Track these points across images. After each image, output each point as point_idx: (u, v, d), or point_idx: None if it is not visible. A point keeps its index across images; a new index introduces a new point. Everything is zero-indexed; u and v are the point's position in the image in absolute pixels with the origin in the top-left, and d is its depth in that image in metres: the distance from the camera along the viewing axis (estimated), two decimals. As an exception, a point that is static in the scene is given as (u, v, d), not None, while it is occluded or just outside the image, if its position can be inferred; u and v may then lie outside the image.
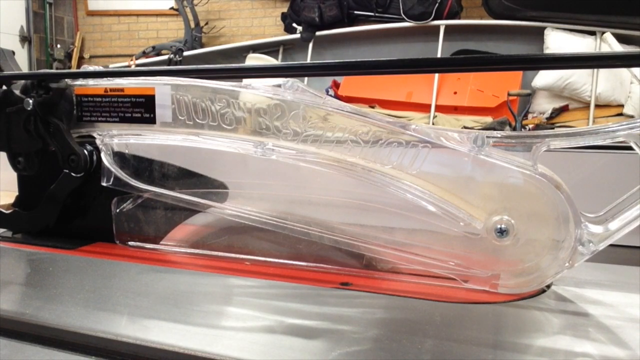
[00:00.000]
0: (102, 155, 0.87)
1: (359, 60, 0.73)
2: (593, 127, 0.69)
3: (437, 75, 4.06)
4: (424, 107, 4.11)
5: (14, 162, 0.94)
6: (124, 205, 0.89)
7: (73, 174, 0.89)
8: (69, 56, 5.86)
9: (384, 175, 0.73)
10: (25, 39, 5.64)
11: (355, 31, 4.50)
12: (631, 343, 0.57)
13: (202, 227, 0.91)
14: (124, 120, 0.85)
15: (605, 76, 3.68)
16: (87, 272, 0.78)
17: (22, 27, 5.62)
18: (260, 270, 0.81)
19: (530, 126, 3.76)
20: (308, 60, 4.39)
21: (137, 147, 0.87)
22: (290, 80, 0.76)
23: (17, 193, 0.98)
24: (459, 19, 4.35)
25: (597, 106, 3.77)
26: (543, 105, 3.94)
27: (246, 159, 0.80)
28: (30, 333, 0.59)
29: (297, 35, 4.62)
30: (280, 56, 4.77)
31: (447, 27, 4.20)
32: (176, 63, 4.72)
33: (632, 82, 3.77)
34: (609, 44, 3.65)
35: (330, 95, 2.84)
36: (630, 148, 0.64)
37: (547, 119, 3.82)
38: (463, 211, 0.70)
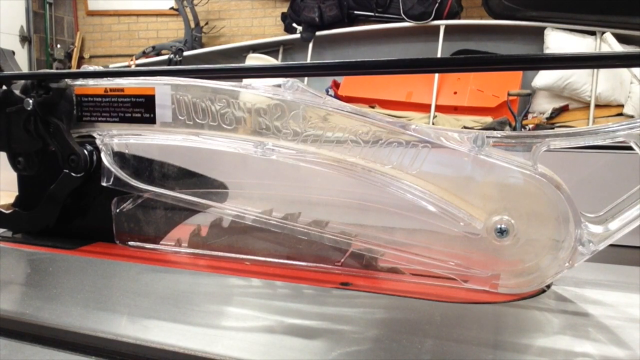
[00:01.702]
0: (102, 155, 0.87)
1: (359, 60, 0.73)
2: (593, 127, 0.69)
3: (437, 75, 4.07)
4: (424, 107, 4.11)
5: (14, 162, 0.94)
6: (124, 205, 0.89)
7: (73, 174, 0.89)
8: (69, 56, 5.86)
9: (384, 175, 0.73)
10: (25, 39, 5.64)
11: (355, 31, 4.50)
12: (631, 343, 0.57)
13: (202, 227, 0.91)
14: (124, 120, 0.85)
15: (605, 76, 3.68)
16: (87, 272, 0.78)
17: (22, 27, 5.62)
18: (260, 270, 0.81)
19: (530, 126, 3.76)
20: (308, 60, 4.39)
21: (137, 147, 0.87)
22: (290, 80, 0.76)
23: (17, 193, 0.98)
24: (459, 19, 4.35)
25: (597, 106, 3.77)
26: (543, 105, 3.94)
27: (246, 159, 0.80)
28: (30, 333, 0.59)
29: (297, 35, 4.63)
30: (280, 56, 4.77)
31: (447, 27, 4.20)
32: (176, 63, 4.72)
33: (632, 82, 3.77)
34: (609, 44, 3.65)
35: (330, 95, 2.84)
36: (630, 148, 0.64)
37: (547, 119, 3.82)
38: (463, 211, 0.70)
